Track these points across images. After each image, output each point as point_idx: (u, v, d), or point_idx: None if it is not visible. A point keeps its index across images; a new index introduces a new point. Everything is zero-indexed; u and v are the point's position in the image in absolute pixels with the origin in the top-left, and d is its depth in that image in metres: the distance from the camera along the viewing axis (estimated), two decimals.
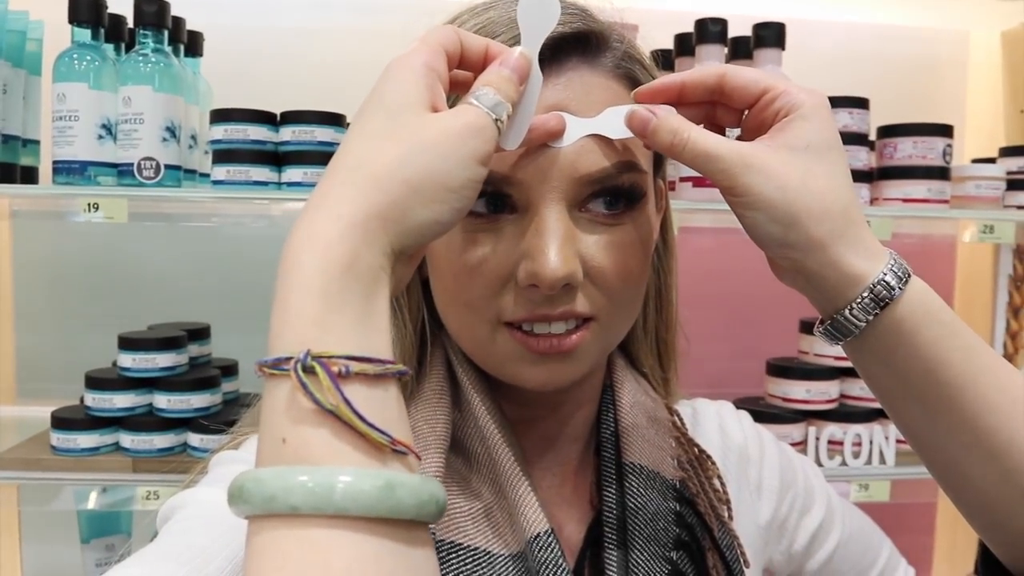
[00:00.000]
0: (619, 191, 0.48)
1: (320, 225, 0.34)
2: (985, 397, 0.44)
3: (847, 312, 0.43)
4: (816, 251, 0.43)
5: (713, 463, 0.59)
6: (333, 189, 0.35)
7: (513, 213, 0.47)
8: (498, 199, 0.47)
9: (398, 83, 0.38)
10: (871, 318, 0.43)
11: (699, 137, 0.43)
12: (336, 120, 1.18)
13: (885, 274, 0.43)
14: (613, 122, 0.46)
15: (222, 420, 1.19)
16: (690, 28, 1.21)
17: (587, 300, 0.47)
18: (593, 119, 0.46)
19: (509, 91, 0.41)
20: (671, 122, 0.44)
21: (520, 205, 0.47)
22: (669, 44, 1.27)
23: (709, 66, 0.47)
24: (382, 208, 0.35)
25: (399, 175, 0.35)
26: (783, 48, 1.18)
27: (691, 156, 0.43)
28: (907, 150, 1.25)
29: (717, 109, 0.48)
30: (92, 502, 1.30)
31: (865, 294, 0.43)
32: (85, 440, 1.19)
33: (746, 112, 0.47)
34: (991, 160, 1.38)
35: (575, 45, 0.48)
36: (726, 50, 1.21)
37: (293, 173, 1.17)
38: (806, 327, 1.35)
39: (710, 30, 1.19)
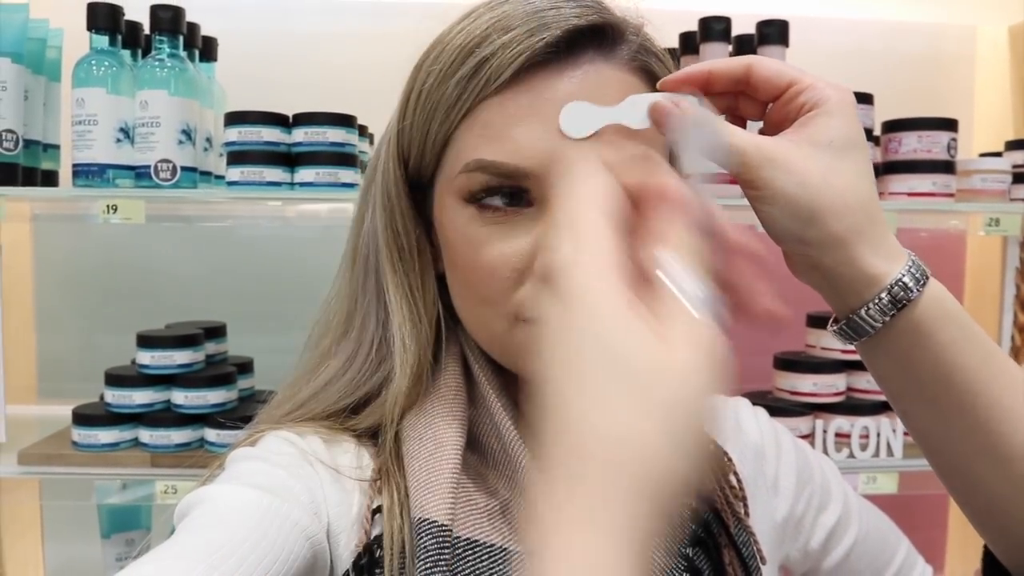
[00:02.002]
0: None
1: (598, 554, 0.29)
2: (999, 402, 0.43)
3: (863, 312, 0.43)
4: (835, 248, 0.42)
5: (729, 459, 0.58)
6: (598, 498, 0.29)
7: (530, 207, 0.47)
8: (515, 193, 0.47)
9: (611, 320, 0.31)
10: (888, 319, 0.42)
11: (720, 130, 0.43)
12: (346, 121, 1.19)
13: (903, 275, 0.42)
14: (634, 112, 0.45)
15: (238, 416, 1.21)
16: (694, 27, 1.22)
17: None
18: (614, 108, 0.45)
19: (704, 257, 0.33)
20: (693, 114, 0.43)
21: (537, 199, 0.47)
22: (674, 42, 1.26)
23: (737, 56, 0.46)
24: (660, 508, 0.30)
25: (672, 474, 0.30)
26: (787, 45, 1.19)
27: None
28: (912, 144, 1.25)
29: (740, 101, 0.47)
30: (112, 497, 1.33)
31: (883, 295, 0.42)
32: (105, 436, 1.21)
33: (770, 105, 0.46)
34: (998, 154, 1.39)
35: (591, 38, 0.47)
36: (730, 48, 1.21)
37: (305, 173, 1.18)
38: (813, 321, 1.36)
39: (714, 28, 1.19)
